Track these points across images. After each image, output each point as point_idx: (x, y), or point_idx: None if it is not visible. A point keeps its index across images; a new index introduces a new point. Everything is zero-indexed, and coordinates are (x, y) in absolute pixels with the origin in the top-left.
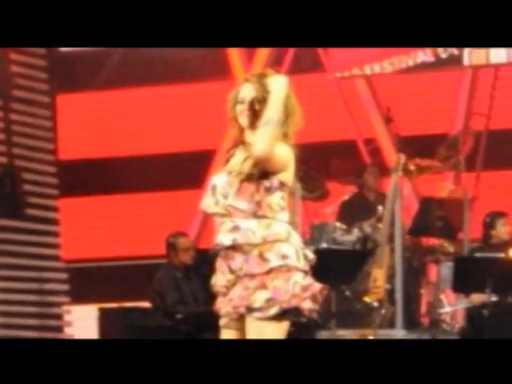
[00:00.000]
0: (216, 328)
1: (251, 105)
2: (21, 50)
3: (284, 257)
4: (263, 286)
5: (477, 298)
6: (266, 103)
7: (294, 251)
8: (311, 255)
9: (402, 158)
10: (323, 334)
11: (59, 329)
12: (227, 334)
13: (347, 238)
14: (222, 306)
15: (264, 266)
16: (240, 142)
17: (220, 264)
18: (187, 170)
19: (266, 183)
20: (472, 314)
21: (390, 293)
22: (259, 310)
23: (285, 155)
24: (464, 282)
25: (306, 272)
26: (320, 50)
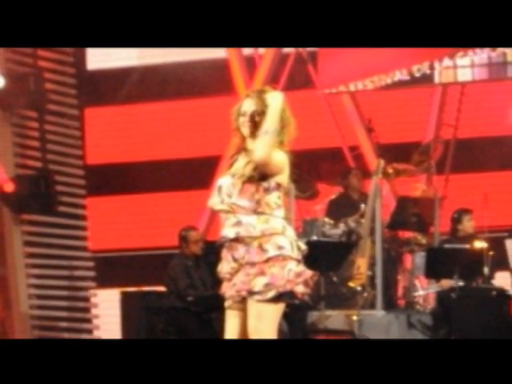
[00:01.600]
0: (221, 309)
1: (252, 117)
2: (54, 69)
3: (280, 248)
4: (262, 273)
5: (446, 283)
6: (264, 116)
7: (288, 243)
8: (303, 246)
9: (382, 162)
10: (314, 314)
11: (86, 310)
12: (231, 314)
13: (334, 231)
14: (227, 290)
15: (263, 255)
16: (242, 149)
17: (225, 254)
18: (197, 173)
19: (265, 184)
20: (442, 296)
21: (371, 278)
22: (259, 293)
23: (281, 160)
24: (435, 269)
25: (299, 261)
26: (311, 70)
